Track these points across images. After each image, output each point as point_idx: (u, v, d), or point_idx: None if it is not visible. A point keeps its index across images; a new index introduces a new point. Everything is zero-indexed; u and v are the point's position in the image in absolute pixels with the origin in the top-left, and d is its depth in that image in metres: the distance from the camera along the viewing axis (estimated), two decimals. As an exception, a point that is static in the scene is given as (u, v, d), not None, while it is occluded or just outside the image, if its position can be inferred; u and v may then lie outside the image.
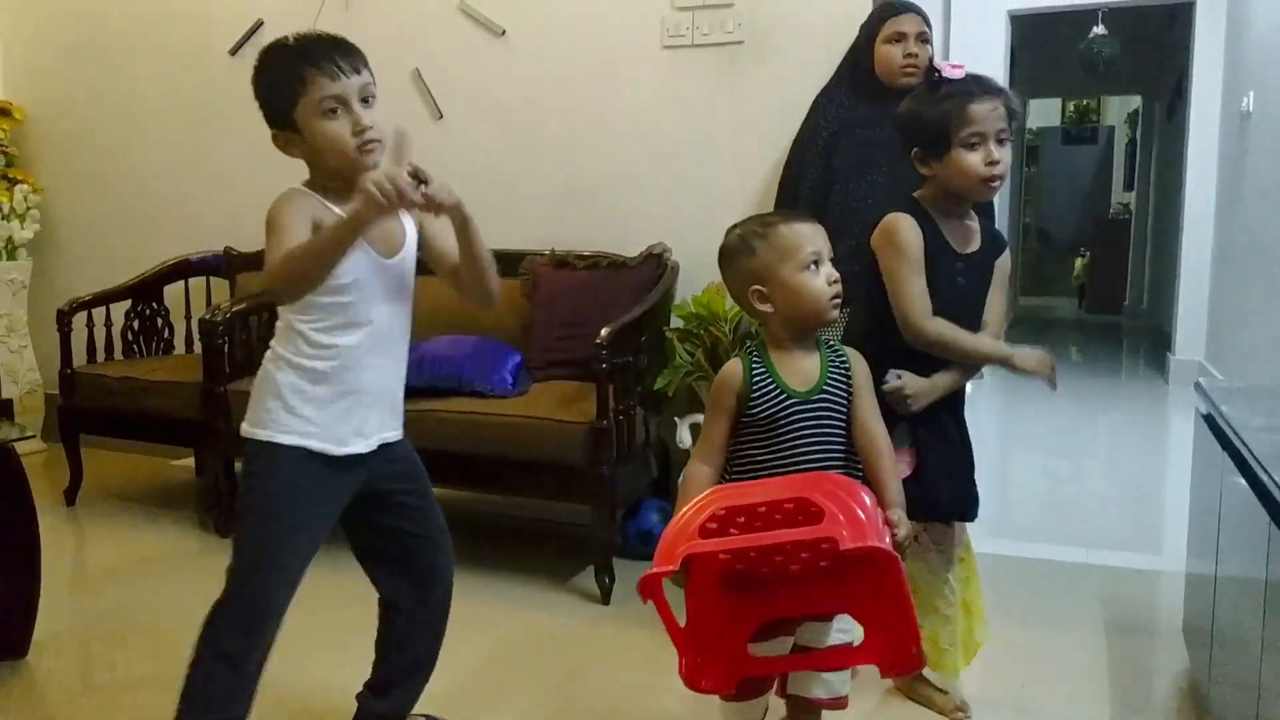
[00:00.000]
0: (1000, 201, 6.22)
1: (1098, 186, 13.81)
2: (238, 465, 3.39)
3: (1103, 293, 11.07)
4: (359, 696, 1.97)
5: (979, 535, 2.28)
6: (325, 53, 1.63)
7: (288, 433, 1.71)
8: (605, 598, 2.84)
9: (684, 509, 1.57)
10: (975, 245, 2.03)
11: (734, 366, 1.74)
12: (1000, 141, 1.90)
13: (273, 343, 1.76)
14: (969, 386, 2.10)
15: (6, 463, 2.44)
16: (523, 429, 2.88)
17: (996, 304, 2.07)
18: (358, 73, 1.64)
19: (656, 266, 3.29)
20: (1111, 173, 13.65)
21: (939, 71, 1.93)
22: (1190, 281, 6.37)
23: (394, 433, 1.84)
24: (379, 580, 1.93)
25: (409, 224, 1.78)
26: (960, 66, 1.94)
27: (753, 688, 1.76)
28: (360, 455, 1.76)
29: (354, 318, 1.71)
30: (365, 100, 1.65)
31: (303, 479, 1.72)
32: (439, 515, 1.93)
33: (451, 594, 1.96)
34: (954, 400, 2.06)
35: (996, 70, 6.23)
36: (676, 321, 3.18)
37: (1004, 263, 2.07)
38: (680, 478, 1.71)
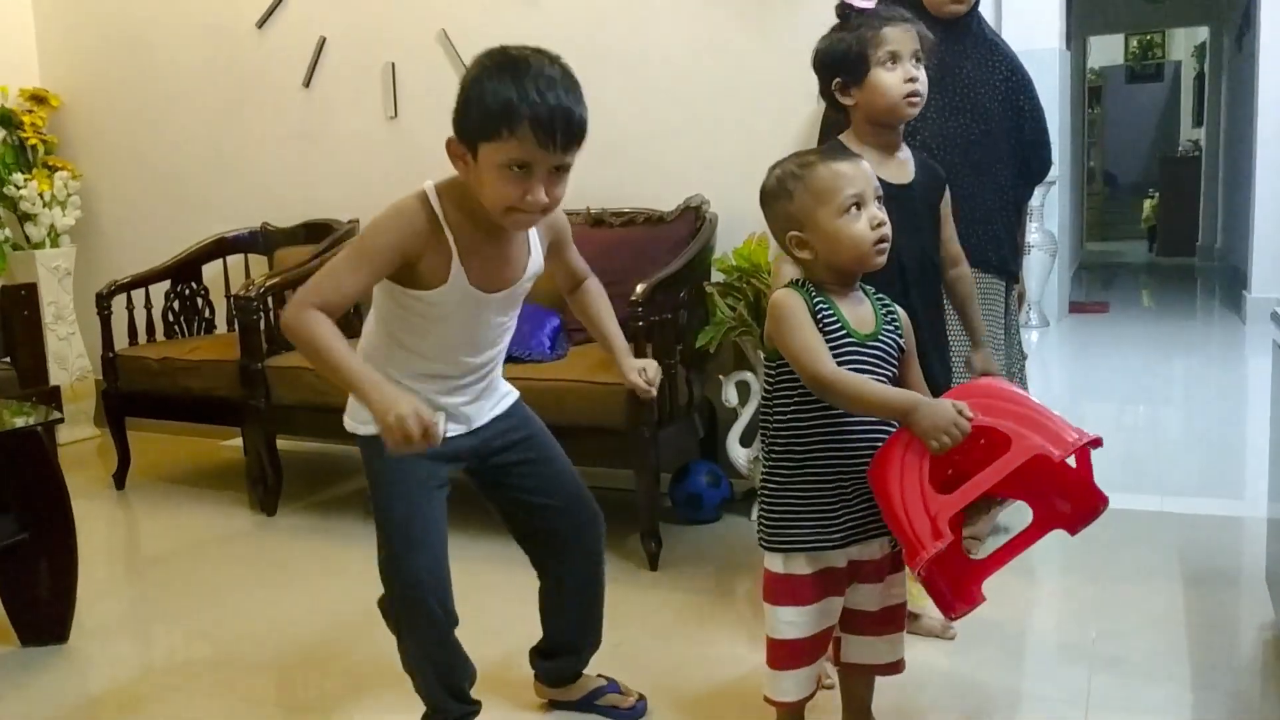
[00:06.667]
0: (1062, 144, 6.03)
1: (1165, 124, 13.34)
2: (279, 442, 3.38)
3: (1174, 234, 10.66)
4: (530, 654, 2.05)
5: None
6: (549, 120, 1.49)
7: None
8: (653, 563, 2.75)
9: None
10: (909, 177, 2.01)
11: (792, 295, 1.61)
12: (916, 61, 1.94)
13: None
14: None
15: (35, 447, 2.41)
16: (560, 393, 2.78)
17: (953, 241, 2.10)
18: (565, 151, 1.53)
19: (695, 220, 3.18)
20: (1179, 110, 13.17)
21: (850, 6, 2.00)
22: (1266, 213, 6.09)
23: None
24: (526, 550, 1.96)
25: (535, 248, 1.79)
26: (869, 1, 2.02)
27: (810, 656, 1.68)
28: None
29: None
30: (557, 170, 1.55)
31: None
32: (569, 482, 1.91)
33: (599, 562, 1.96)
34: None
35: (1052, 6, 5.96)
36: (718, 276, 3.06)
37: (948, 200, 2.08)
38: (833, 385, 1.55)
